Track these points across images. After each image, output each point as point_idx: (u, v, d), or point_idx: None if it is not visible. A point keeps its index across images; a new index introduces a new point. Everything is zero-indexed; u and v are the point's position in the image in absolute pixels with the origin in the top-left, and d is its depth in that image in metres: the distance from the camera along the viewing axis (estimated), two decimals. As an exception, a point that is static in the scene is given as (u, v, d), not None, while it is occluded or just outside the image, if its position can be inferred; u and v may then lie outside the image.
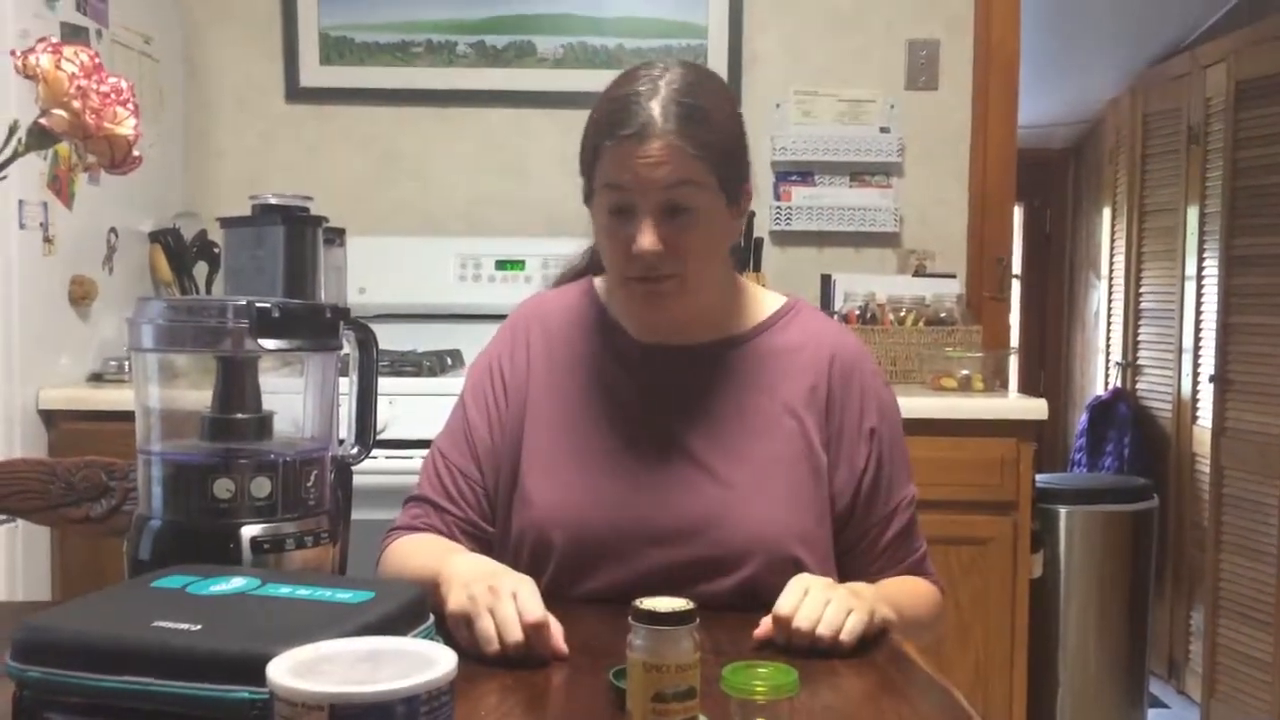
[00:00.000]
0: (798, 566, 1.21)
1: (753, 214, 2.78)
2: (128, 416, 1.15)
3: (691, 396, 1.30)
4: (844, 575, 1.28)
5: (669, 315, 1.27)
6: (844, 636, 1.06)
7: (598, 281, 1.39)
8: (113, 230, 2.47)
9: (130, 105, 0.90)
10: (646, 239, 1.19)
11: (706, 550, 1.23)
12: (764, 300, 1.37)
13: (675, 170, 1.19)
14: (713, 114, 1.23)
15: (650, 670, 0.82)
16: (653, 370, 1.31)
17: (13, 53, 0.90)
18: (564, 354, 1.34)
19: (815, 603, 1.07)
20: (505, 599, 1.03)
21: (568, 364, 1.33)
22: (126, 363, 2.40)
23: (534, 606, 1.03)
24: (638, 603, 0.84)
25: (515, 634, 1.01)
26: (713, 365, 1.31)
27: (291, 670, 0.67)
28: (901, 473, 1.36)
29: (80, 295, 2.34)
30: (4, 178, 0.86)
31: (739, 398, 1.29)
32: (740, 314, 1.34)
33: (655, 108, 1.19)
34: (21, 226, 2.14)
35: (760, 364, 1.31)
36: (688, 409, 1.29)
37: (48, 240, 2.22)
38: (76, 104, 0.83)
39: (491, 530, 1.31)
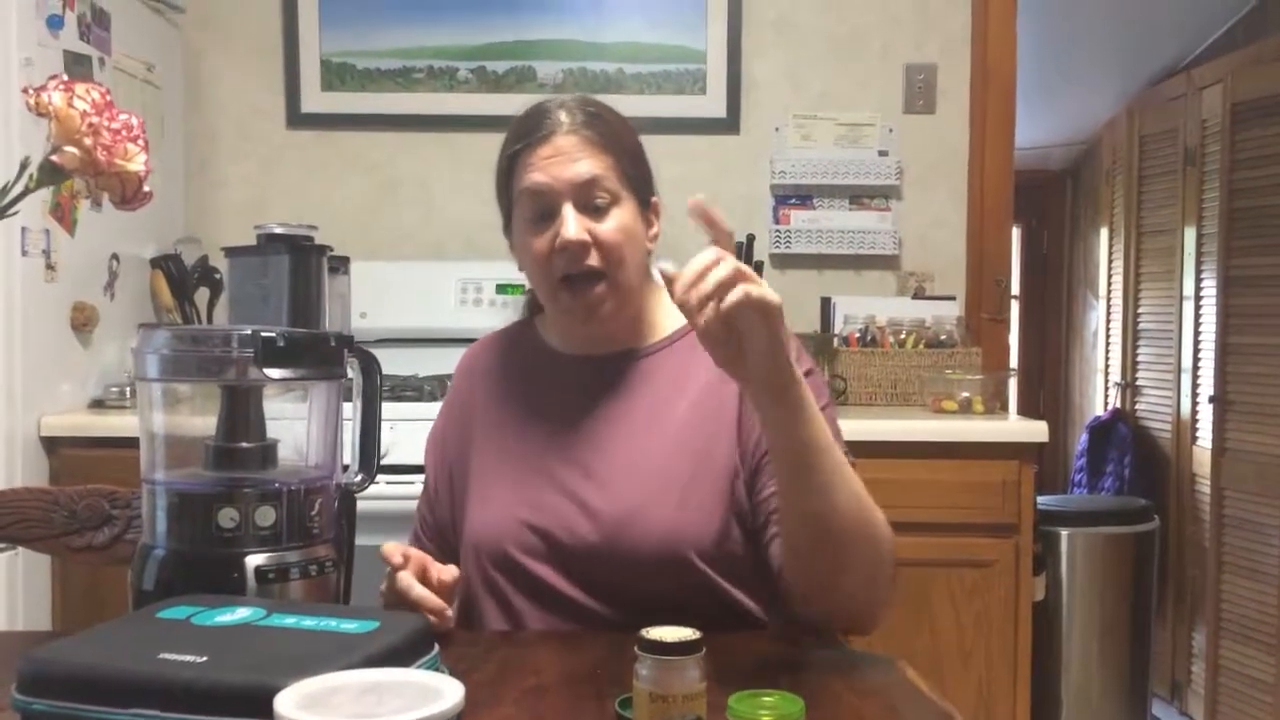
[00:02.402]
0: (697, 572, 1.22)
1: (752, 237, 2.80)
2: (129, 443, 1.16)
3: (598, 405, 1.32)
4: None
5: (600, 324, 1.29)
6: (723, 304, 0.98)
7: (536, 318, 1.44)
8: (114, 256, 2.48)
9: (140, 142, 0.91)
10: (570, 227, 1.24)
11: (607, 559, 1.23)
12: (675, 310, 1.38)
13: (587, 164, 1.25)
14: (613, 121, 1.31)
15: (657, 700, 0.82)
16: (570, 379, 1.35)
17: (25, 90, 0.91)
18: (496, 383, 1.39)
19: (702, 260, 1.00)
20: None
21: (499, 389, 1.39)
22: (128, 389, 2.41)
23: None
24: (644, 632, 0.84)
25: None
26: (623, 374, 1.33)
27: (299, 703, 0.68)
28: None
29: (82, 322, 2.34)
30: (15, 213, 0.87)
31: (646, 406, 1.31)
32: (655, 323, 1.37)
33: (561, 113, 1.28)
34: (24, 253, 2.15)
35: (669, 370, 1.32)
36: (593, 418, 1.31)
37: (50, 267, 2.23)
38: (88, 141, 0.84)
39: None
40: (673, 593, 1.21)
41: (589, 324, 1.30)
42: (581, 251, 1.25)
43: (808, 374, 1.26)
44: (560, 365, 1.36)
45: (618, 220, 1.27)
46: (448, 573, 1.18)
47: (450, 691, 0.70)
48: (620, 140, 1.30)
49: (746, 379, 1.05)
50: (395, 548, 1.17)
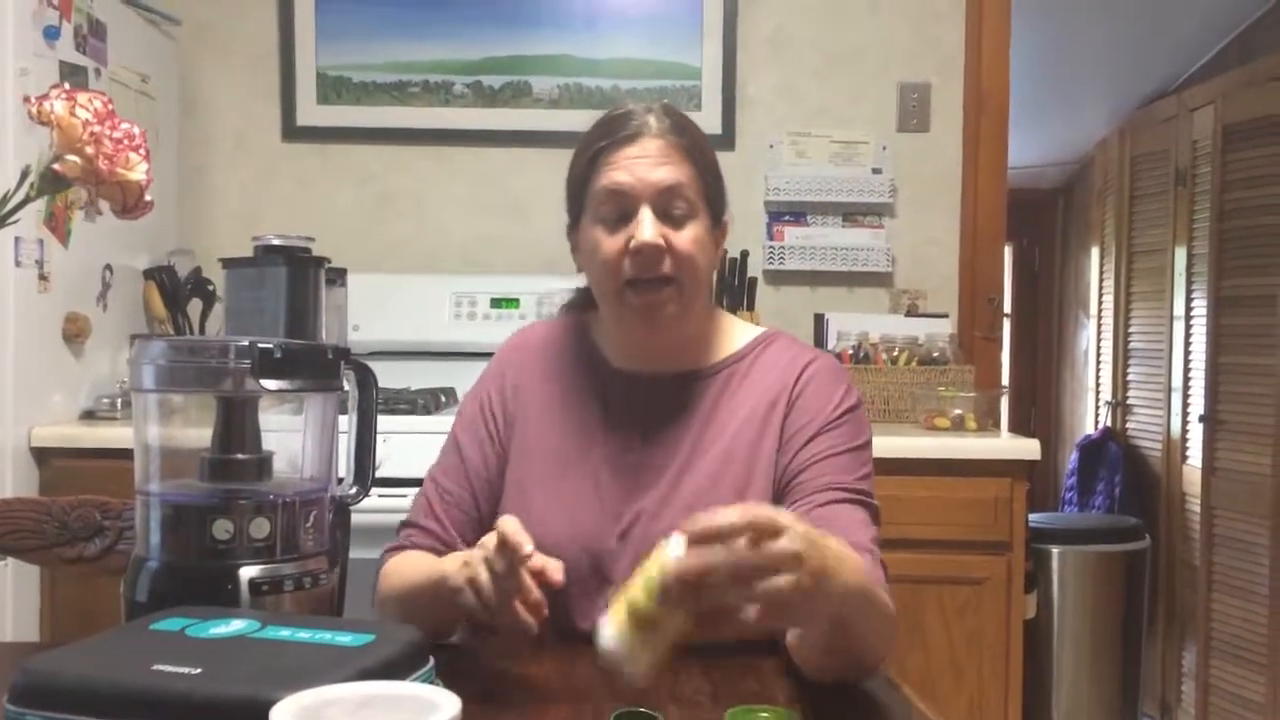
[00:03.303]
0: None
1: (746, 253, 2.81)
2: (120, 454, 1.15)
3: (649, 426, 1.30)
4: None
5: (662, 330, 1.27)
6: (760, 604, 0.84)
7: (583, 316, 1.41)
8: (108, 267, 2.48)
9: (142, 151, 0.91)
10: (646, 230, 1.21)
11: None
12: (738, 332, 1.38)
13: (672, 170, 1.24)
14: (698, 135, 1.30)
15: None
16: (622, 397, 1.32)
17: (26, 99, 0.91)
18: (546, 385, 1.36)
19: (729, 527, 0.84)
20: (488, 551, 1.03)
21: (550, 395, 1.35)
22: (119, 400, 2.40)
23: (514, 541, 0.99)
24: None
25: (499, 566, 1.00)
26: (676, 396, 1.31)
27: (294, 716, 0.67)
28: (848, 467, 1.25)
29: (74, 332, 2.34)
30: (16, 221, 0.87)
31: (695, 431, 1.29)
32: (713, 345, 1.35)
33: (650, 117, 1.26)
34: (17, 264, 2.14)
35: (723, 395, 1.31)
36: (644, 438, 1.30)
37: (43, 278, 2.22)
38: (90, 150, 0.84)
39: None
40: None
41: (649, 328, 1.27)
42: (656, 256, 1.22)
43: (852, 409, 1.28)
44: (616, 381, 1.33)
45: (693, 232, 1.25)
46: (559, 574, 1.03)
47: (447, 704, 0.70)
48: (704, 153, 1.29)
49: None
50: (520, 528, 1.01)
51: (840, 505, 1.21)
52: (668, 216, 1.23)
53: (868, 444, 1.30)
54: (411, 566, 1.25)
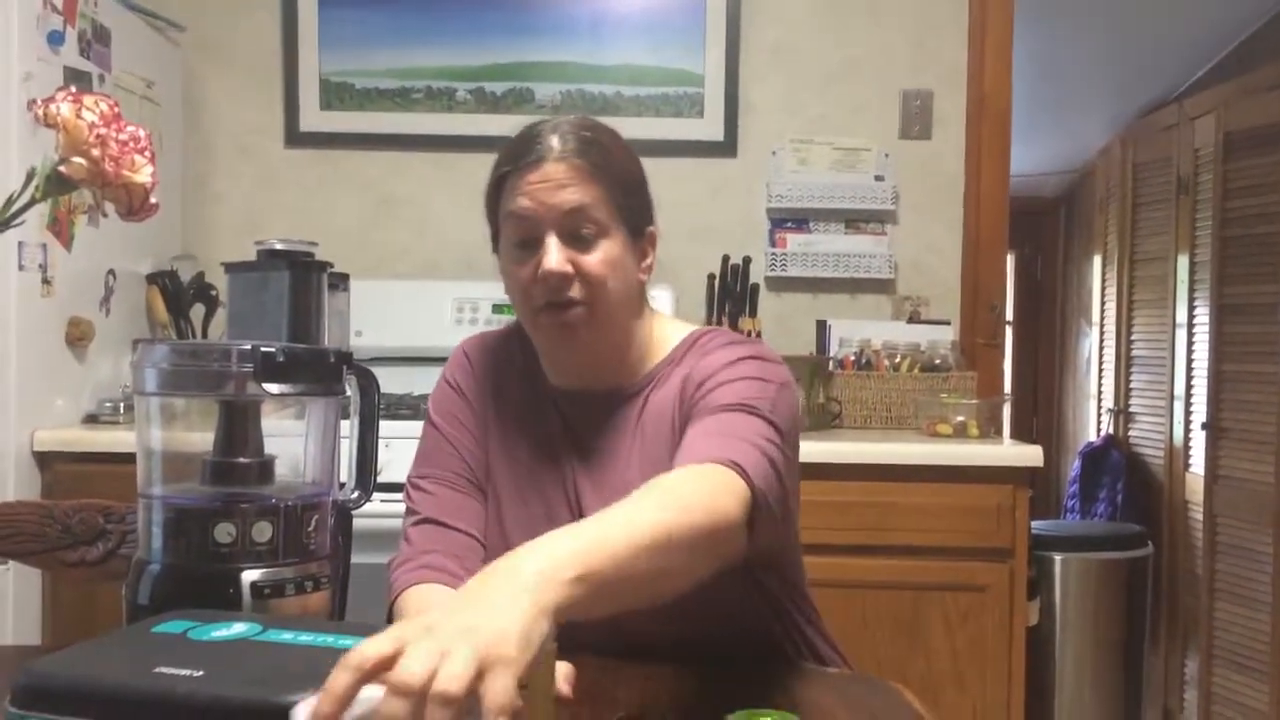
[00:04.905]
0: (681, 613, 1.19)
1: (748, 260, 2.81)
2: (123, 458, 1.15)
3: (589, 445, 1.30)
4: None
5: (579, 351, 1.27)
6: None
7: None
8: (111, 272, 2.48)
9: (147, 154, 0.91)
10: (552, 258, 1.21)
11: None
12: (669, 340, 1.34)
13: (576, 192, 1.22)
14: (610, 148, 1.27)
15: None
16: (564, 415, 1.32)
17: (32, 102, 0.91)
18: (501, 396, 1.36)
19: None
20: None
21: (505, 406, 1.35)
22: (122, 404, 2.40)
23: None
24: None
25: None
26: (608, 413, 1.30)
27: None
28: (741, 392, 1.20)
29: (77, 336, 2.34)
30: (21, 223, 0.87)
31: (627, 445, 1.29)
32: (644, 357, 1.33)
33: (554, 138, 1.24)
34: (21, 268, 2.15)
35: (647, 407, 1.30)
36: (586, 458, 1.30)
37: (46, 282, 2.23)
38: (96, 152, 0.84)
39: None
40: (672, 627, 1.16)
41: (564, 349, 1.28)
42: (563, 283, 1.22)
43: (747, 359, 1.22)
44: (556, 400, 1.33)
45: (604, 252, 1.23)
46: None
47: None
48: (613, 169, 1.25)
49: None
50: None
51: (725, 414, 1.15)
52: (576, 239, 1.22)
53: (772, 382, 1.21)
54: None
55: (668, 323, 1.38)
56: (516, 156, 1.25)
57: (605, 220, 1.24)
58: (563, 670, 0.92)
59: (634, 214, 1.28)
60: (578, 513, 1.26)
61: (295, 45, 2.95)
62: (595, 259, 1.23)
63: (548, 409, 1.33)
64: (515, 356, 1.38)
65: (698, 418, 1.18)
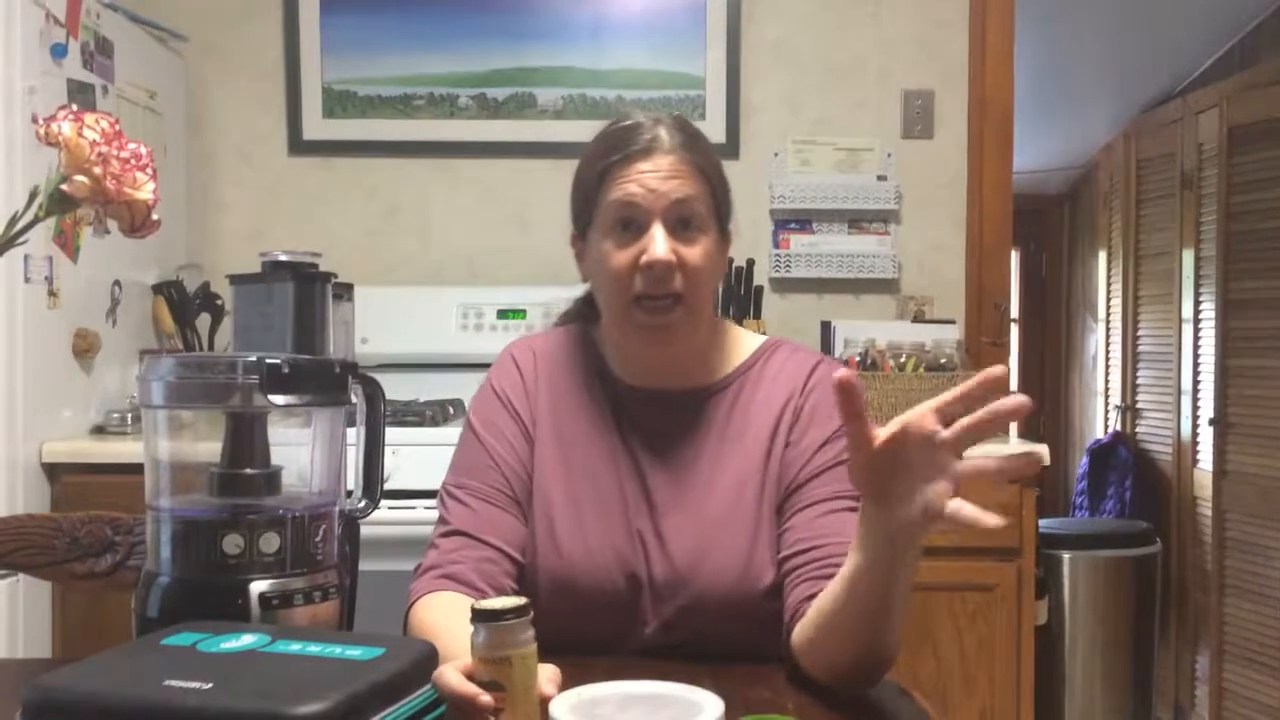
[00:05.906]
0: (754, 617, 1.21)
1: (752, 262, 2.81)
2: (130, 469, 1.16)
3: (668, 444, 1.29)
4: (781, 571, 1.21)
5: (672, 345, 1.26)
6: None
7: (585, 328, 1.39)
8: (116, 283, 2.49)
9: (149, 170, 0.91)
10: (659, 245, 1.21)
11: (670, 599, 1.22)
12: (744, 343, 1.37)
13: (684, 184, 1.23)
14: (708, 149, 1.30)
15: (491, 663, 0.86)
16: (635, 414, 1.31)
17: (34, 120, 0.91)
18: (558, 398, 1.33)
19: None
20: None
21: (562, 410, 1.32)
22: (129, 415, 2.41)
23: None
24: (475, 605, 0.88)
25: None
26: (691, 412, 1.30)
27: (572, 710, 0.78)
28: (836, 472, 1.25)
29: (83, 348, 2.34)
30: (24, 241, 0.87)
31: (713, 446, 1.28)
32: (722, 358, 1.34)
33: (661, 130, 1.26)
34: (27, 280, 2.15)
35: (735, 408, 1.30)
36: (663, 456, 1.29)
37: (52, 294, 2.23)
38: (98, 170, 0.84)
39: (523, 560, 1.26)
40: (741, 632, 1.20)
41: (660, 346, 1.26)
42: (666, 273, 1.21)
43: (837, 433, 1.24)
44: (629, 399, 1.31)
45: (704, 247, 1.24)
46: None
47: (710, 706, 0.73)
48: (713, 167, 1.28)
49: (890, 516, 1.02)
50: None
51: (846, 514, 1.20)
52: (679, 232, 1.23)
53: None
54: (430, 625, 1.16)
55: (731, 325, 1.40)
56: (625, 145, 1.25)
57: (706, 216, 1.26)
58: (547, 672, 0.91)
59: (725, 212, 1.31)
60: (649, 510, 1.25)
61: (297, 54, 2.96)
62: (697, 251, 1.24)
63: (614, 409, 1.31)
64: (577, 356, 1.35)
65: (826, 497, 1.22)
